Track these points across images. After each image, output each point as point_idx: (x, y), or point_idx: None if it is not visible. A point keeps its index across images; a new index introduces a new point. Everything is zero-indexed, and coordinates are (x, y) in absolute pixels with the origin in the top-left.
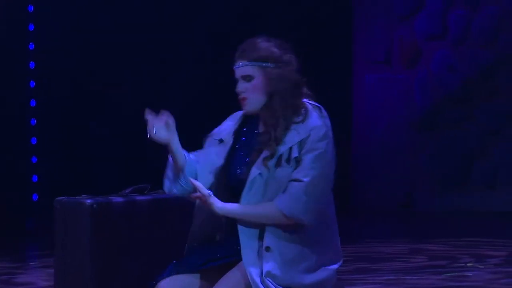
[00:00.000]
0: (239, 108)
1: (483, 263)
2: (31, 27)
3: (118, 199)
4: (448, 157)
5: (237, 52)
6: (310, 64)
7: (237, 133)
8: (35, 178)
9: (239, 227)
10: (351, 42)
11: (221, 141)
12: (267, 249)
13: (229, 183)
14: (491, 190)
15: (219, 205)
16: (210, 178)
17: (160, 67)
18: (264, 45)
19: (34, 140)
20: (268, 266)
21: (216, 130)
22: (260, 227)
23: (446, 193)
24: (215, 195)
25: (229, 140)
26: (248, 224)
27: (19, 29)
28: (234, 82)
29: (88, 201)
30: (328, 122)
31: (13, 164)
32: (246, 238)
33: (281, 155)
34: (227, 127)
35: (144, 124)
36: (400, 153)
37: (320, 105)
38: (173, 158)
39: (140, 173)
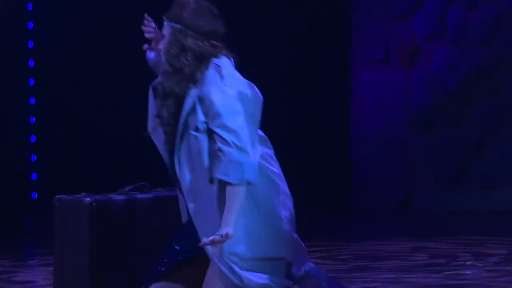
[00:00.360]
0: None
1: (483, 262)
2: (30, 25)
3: (117, 197)
4: (447, 156)
5: None
6: (309, 63)
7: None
8: (34, 176)
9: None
10: (350, 41)
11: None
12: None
13: None
14: (490, 189)
15: (230, 229)
16: None
17: None
18: (183, 5)
19: (33, 138)
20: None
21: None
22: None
23: (445, 192)
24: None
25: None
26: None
27: (18, 27)
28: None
29: (87, 199)
30: (225, 72)
31: (13, 162)
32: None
33: (183, 126)
34: None
35: (143, 123)
36: (399, 152)
37: (220, 65)
38: None
39: (140, 171)
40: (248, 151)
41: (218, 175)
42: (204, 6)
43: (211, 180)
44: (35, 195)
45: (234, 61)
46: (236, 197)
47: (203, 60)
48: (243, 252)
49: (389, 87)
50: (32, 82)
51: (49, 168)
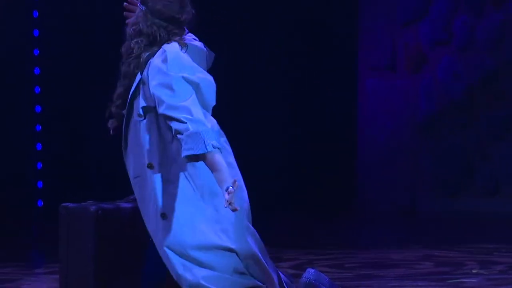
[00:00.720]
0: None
1: (488, 270)
2: (36, 32)
3: (123, 205)
4: (452, 162)
5: None
6: (315, 69)
7: None
8: (40, 184)
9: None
10: (356, 48)
11: None
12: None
13: None
14: (495, 195)
15: (232, 179)
16: None
17: None
18: None
19: (39, 146)
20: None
21: None
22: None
23: (449, 198)
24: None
25: None
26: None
27: (24, 35)
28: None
29: (93, 207)
30: (170, 56)
31: (19, 170)
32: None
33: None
34: None
35: None
36: (404, 158)
37: (166, 49)
38: None
39: None
40: (202, 120)
41: (183, 153)
42: None
43: (150, 166)
44: (41, 203)
45: (207, 51)
46: (216, 163)
47: (154, 44)
48: (187, 242)
49: (395, 94)
50: (38, 89)
51: (55, 175)
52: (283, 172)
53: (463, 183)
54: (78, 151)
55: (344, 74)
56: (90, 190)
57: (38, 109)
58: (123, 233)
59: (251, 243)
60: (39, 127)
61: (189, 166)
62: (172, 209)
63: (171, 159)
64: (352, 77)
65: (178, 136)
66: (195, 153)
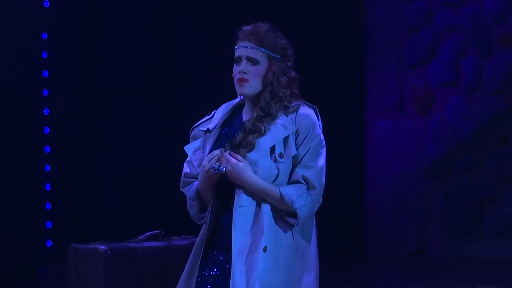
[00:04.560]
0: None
1: None
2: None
3: (132, 245)
4: (461, 204)
5: (243, 33)
6: (323, 111)
7: (223, 124)
8: (49, 225)
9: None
10: (364, 89)
11: (208, 131)
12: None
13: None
14: (505, 237)
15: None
16: None
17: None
18: (274, 34)
19: (48, 187)
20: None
21: (203, 120)
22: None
23: (458, 241)
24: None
25: (216, 131)
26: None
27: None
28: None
29: (102, 247)
30: (320, 123)
31: (28, 210)
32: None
33: (270, 148)
34: (216, 118)
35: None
36: (413, 200)
37: (315, 106)
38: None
39: (155, 219)
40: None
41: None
42: None
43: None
44: (50, 243)
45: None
46: (274, 198)
47: None
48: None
49: (403, 135)
50: (47, 130)
51: (64, 216)
52: None
53: (472, 225)
54: (87, 192)
55: (352, 116)
56: (99, 231)
57: (47, 149)
58: (131, 273)
59: None
60: (48, 167)
61: None
62: None
63: None
64: (360, 119)
65: (306, 191)
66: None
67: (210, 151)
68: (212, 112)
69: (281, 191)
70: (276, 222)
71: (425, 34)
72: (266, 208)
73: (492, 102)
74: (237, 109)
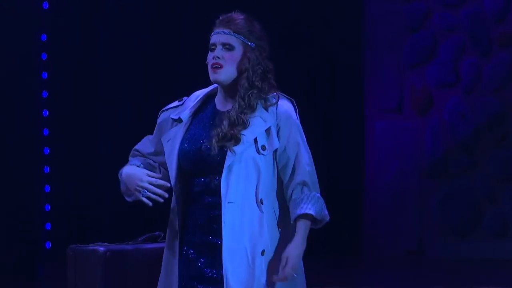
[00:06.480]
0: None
1: None
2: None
3: (131, 247)
4: (460, 204)
5: (219, 20)
6: (322, 112)
7: (194, 113)
8: (48, 226)
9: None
10: (362, 90)
11: (179, 120)
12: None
13: (185, 160)
14: (503, 237)
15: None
16: (176, 162)
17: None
18: (250, 23)
19: (47, 188)
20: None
21: (173, 106)
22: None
23: (457, 241)
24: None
25: (187, 121)
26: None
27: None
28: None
29: (101, 248)
30: (298, 115)
31: (27, 212)
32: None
33: (253, 140)
34: (187, 106)
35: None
36: (411, 200)
37: (292, 99)
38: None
39: (154, 220)
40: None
41: (300, 211)
42: None
43: (261, 201)
44: (49, 244)
45: None
46: (307, 230)
47: None
48: None
49: (402, 136)
50: (46, 132)
51: (64, 217)
52: None
53: (471, 225)
54: (86, 193)
55: (351, 116)
56: (98, 232)
57: (47, 151)
58: (131, 275)
59: None
60: (47, 169)
61: None
62: None
63: None
64: (359, 119)
65: (305, 195)
66: (311, 213)
67: (181, 141)
68: (184, 99)
69: (308, 214)
70: (272, 225)
71: (424, 34)
72: (262, 208)
73: (491, 102)
74: (209, 98)
